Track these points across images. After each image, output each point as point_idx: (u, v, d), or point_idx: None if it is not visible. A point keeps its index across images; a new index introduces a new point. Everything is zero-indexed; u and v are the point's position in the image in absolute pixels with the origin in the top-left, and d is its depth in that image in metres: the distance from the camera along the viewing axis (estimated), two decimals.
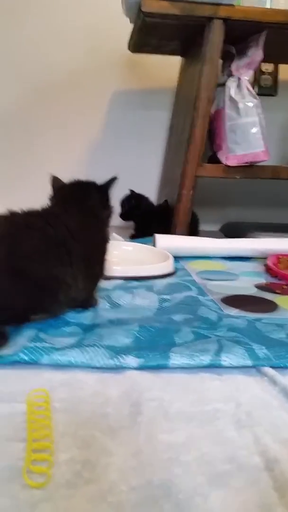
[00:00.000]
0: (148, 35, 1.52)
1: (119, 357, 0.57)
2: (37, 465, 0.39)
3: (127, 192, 1.68)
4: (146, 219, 1.64)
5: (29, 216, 0.68)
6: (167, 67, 1.84)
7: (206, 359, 0.57)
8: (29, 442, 0.42)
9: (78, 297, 0.71)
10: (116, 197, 1.63)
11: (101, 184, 0.81)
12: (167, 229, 1.58)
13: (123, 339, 0.63)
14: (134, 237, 1.65)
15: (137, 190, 1.71)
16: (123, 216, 1.66)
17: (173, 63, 1.78)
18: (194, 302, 0.83)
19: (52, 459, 0.40)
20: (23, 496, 0.36)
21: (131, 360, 0.57)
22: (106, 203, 0.82)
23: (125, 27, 1.54)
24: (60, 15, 1.86)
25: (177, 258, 1.21)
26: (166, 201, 1.70)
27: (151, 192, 1.82)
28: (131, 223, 1.71)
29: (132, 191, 1.67)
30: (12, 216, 0.67)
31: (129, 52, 1.71)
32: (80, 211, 0.74)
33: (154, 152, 1.96)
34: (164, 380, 0.55)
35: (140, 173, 1.94)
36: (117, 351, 0.58)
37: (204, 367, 0.58)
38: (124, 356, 0.57)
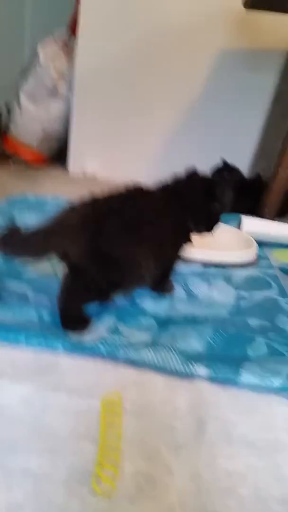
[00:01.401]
0: None
1: (190, 364, 0.59)
2: (105, 473, 0.43)
3: (220, 161, 1.63)
4: (235, 193, 1.59)
5: (110, 202, 0.70)
6: (281, 26, 1.70)
7: (277, 382, 0.58)
8: (101, 448, 0.46)
9: (151, 276, 0.74)
10: (207, 165, 1.62)
11: (210, 178, 0.80)
12: (256, 206, 1.53)
13: (195, 343, 0.65)
14: None
15: (230, 159, 1.65)
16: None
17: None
18: (273, 306, 0.82)
19: (118, 470, 0.44)
20: (90, 501, 0.40)
21: (201, 370, 0.59)
22: (211, 196, 0.81)
23: None
24: None
25: (261, 244, 1.18)
26: (258, 174, 1.64)
27: (244, 163, 1.75)
28: None
29: (224, 162, 1.62)
30: (94, 203, 0.70)
31: (242, 8, 1.59)
32: (163, 197, 0.76)
33: (254, 120, 1.86)
34: (231, 397, 0.57)
35: (236, 141, 1.86)
36: (189, 357, 0.60)
37: (272, 389, 0.58)
38: (195, 364, 0.59)
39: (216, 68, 1.86)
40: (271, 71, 1.79)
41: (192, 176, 0.80)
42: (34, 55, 1.95)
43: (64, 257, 0.66)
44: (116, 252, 0.66)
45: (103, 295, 0.72)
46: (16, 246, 0.64)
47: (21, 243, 0.63)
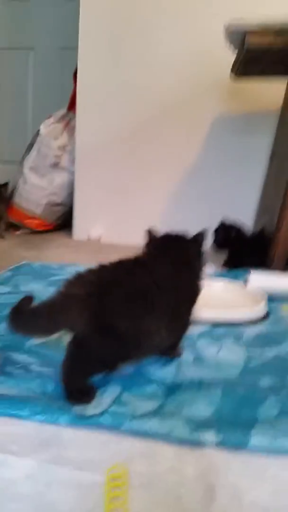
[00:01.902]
0: (252, 66, 1.49)
1: (198, 432, 0.57)
2: None
3: (223, 219, 1.66)
4: (240, 249, 1.61)
5: (116, 270, 0.70)
6: (270, 90, 1.79)
7: None
8: None
9: (161, 345, 0.72)
10: (211, 224, 1.64)
11: (194, 235, 0.80)
12: (262, 259, 1.53)
13: (204, 409, 0.62)
14: (226, 264, 1.63)
15: (233, 216, 1.68)
16: (218, 245, 1.65)
17: (277, 86, 1.73)
18: (285, 363, 0.80)
19: None
20: None
21: (210, 436, 0.56)
22: (198, 254, 0.82)
23: (229, 53, 1.52)
24: (165, 44, 1.90)
25: (270, 298, 1.17)
26: (262, 229, 1.65)
27: (248, 219, 1.78)
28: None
29: (223, 222, 1.65)
30: (100, 272, 0.69)
31: (230, 77, 1.69)
32: (170, 261, 0.75)
33: (253, 178, 1.91)
34: (241, 462, 0.54)
35: (238, 199, 1.91)
36: (197, 425, 0.58)
37: (285, 452, 0.55)
38: (203, 431, 0.57)
39: (214, 132, 1.95)
40: (266, 132, 1.87)
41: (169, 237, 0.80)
42: (37, 133, 2.07)
43: (71, 330, 0.65)
44: (124, 323, 0.64)
45: (109, 368, 0.70)
46: (24, 327, 0.64)
47: (28, 323, 0.63)
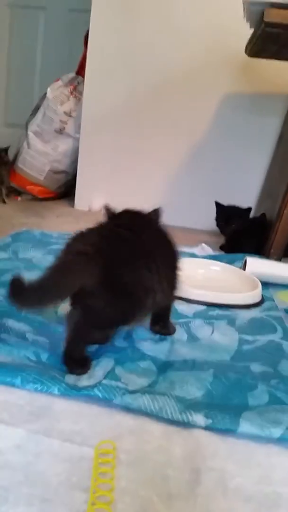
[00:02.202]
0: (269, 43, 1.44)
1: (188, 413, 0.57)
2: None
3: (227, 202, 1.65)
4: (239, 233, 1.60)
5: (118, 228, 0.71)
6: (283, 71, 1.75)
7: (277, 432, 0.56)
8: (92, 499, 0.44)
9: (159, 304, 0.74)
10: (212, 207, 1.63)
11: (151, 211, 0.81)
12: (260, 245, 1.53)
13: (194, 390, 0.63)
14: (223, 248, 1.62)
15: (235, 200, 1.67)
16: (226, 233, 1.64)
17: None
18: (277, 352, 0.80)
19: None
20: None
21: (199, 419, 0.57)
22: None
23: (243, 30, 1.48)
24: (180, 14, 1.84)
25: (266, 285, 1.18)
26: (263, 214, 1.64)
27: (250, 203, 1.76)
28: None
29: (218, 205, 1.64)
30: (102, 229, 0.71)
31: (245, 54, 1.64)
32: (151, 230, 0.77)
33: (259, 160, 1.89)
34: (229, 447, 0.55)
35: (242, 181, 1.89)
36: (187, 405, 0.59)
37: (273, 440, 0.56)
38: (193, 413, 0.57)
39: (221, 110, 1.91)
40: (275, 114, 1.84)
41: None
42: (43, 96, 2.02)
43: (78, 293, 0.64)
44: (130, 278, 0.65)
45: (112, 329, 0.73)
46: (31, 300, 0.62)
47: (35, 295, 0.61)
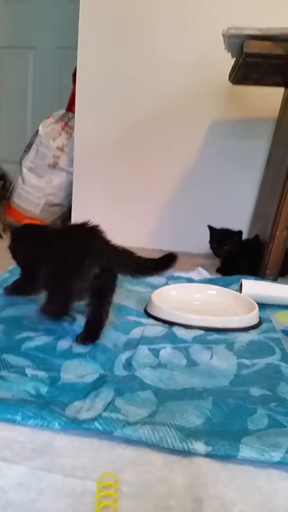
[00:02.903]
0: (250, 71, 1.49)
1: (188, 441, 0.58)
2: None
3: (220, 225, 1.67)
4: (233, 255, 1.62)
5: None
6: (268, 97, 1.80)
7: (277, 455, 0.56)
8: None
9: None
10: (206, 231, 1.65)
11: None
12: (255, 266, 1.55)
13: (194, 419, 0.63)
14: (220, 270, 1.64)
15: (228, 223, 1.69)
16: (219, 255, 1.66)
17: (275, 93, 1.74)
18: (275, 374, 0.81)
19: None
20: None
21: (199, 446, 0.57)
22: None
23: (226, 59, 1.53)
24: (166, 47, 1.91)
25: (263, 305, 1.19)
26: (256, 236, 1.67)
27: (243, 225, 1.79)
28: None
29: (211, 228, 1.67)
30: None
31: (229, 82, 1.70)
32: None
33: (249, 184, 1.93)
34: (230, 473, 0.55)
35: (234, 205, 1.92)
36: (187, 434, 0.59)
37: (273, 464, 0.56)
38: (193, 441, 0.58)
39: (210, 136, 1.96)
40: (262, 137, 1.88)
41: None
42: (36, 133, 2.07)
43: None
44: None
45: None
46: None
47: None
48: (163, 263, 0.90)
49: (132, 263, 0.90)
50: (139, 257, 0.90)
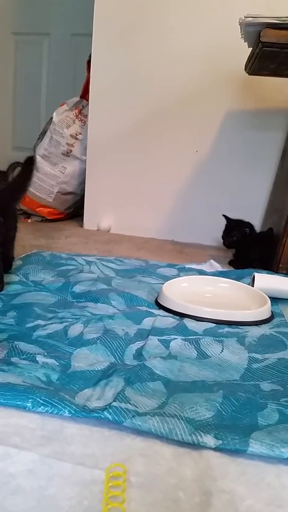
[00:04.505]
0: (267, 61, 1.46)
1: (197, 434, 0.58)
2: None
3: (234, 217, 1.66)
4: (246, 247, 1.60)
5: None
6: (283, 87, 1.77)
7: (287, 451, 0.56)
8: None
9: None
10: (222, 222, 1.64)
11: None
12: (269, 259, 1.53)
13: (204, 411, 0.63)
14: (232, 263, 1.63)
15: (242, 215, 1.68)
16: (226, 244, 1.65)
17: None
18: (287, 369, 0.80)
19: None
20: None
21: (209, 440, 0.57)
22: None
23: (242, 49, 1.51)
24: (180, 36, 1.88)
25: (275, 300, 1.18)
26: (270, 229, 1.65)
27: (257, 218, 1.77)
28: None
29: (225, 217, 1.65)
30: None
31: (245, 72, 1.67)
32: None
33: (264, 176, 1.90)
34: (239, 468, 0.55)
35: (248, 197, 1.90)
36: (197, 427, 0.59)
37: (283, 460, 0.56)
38: (203, 434, 0.58)
39: (224, 128, 1.93)
40: (277, 129, 1.86)
41: None
42: (50, 121, 2.06)
43: None
44: None
45: None
46: None
47: None
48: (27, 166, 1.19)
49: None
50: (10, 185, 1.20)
